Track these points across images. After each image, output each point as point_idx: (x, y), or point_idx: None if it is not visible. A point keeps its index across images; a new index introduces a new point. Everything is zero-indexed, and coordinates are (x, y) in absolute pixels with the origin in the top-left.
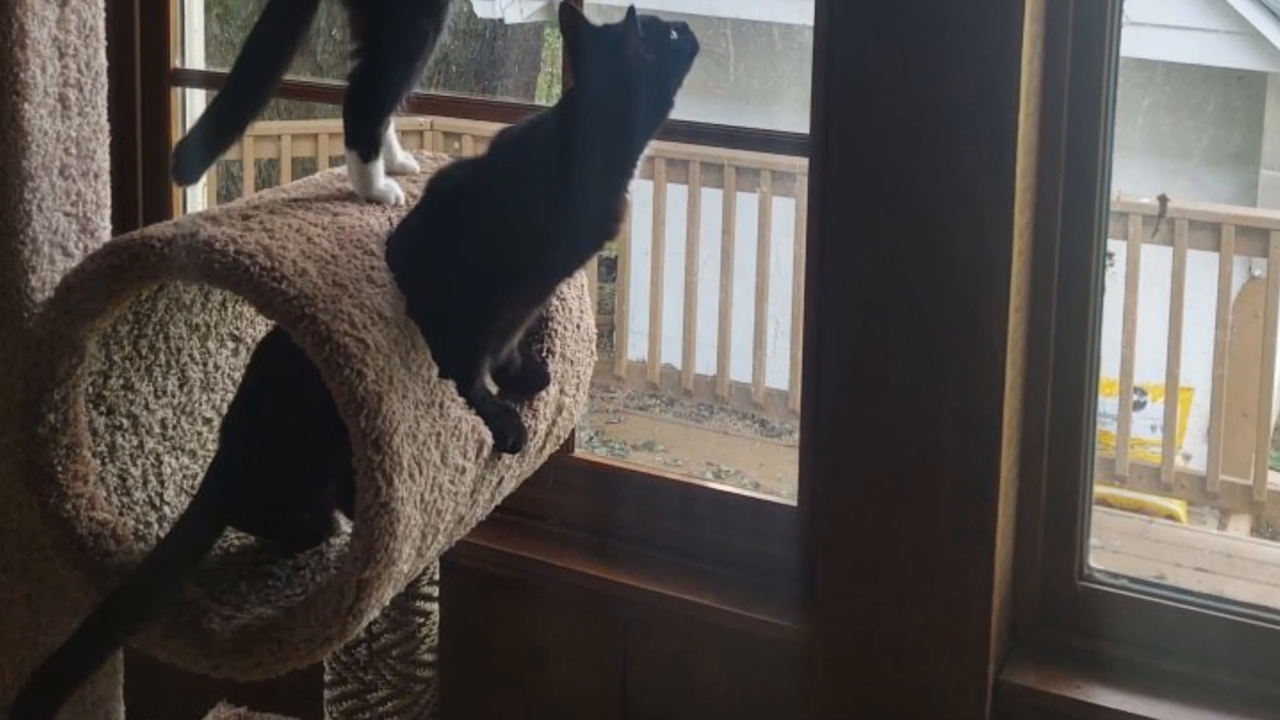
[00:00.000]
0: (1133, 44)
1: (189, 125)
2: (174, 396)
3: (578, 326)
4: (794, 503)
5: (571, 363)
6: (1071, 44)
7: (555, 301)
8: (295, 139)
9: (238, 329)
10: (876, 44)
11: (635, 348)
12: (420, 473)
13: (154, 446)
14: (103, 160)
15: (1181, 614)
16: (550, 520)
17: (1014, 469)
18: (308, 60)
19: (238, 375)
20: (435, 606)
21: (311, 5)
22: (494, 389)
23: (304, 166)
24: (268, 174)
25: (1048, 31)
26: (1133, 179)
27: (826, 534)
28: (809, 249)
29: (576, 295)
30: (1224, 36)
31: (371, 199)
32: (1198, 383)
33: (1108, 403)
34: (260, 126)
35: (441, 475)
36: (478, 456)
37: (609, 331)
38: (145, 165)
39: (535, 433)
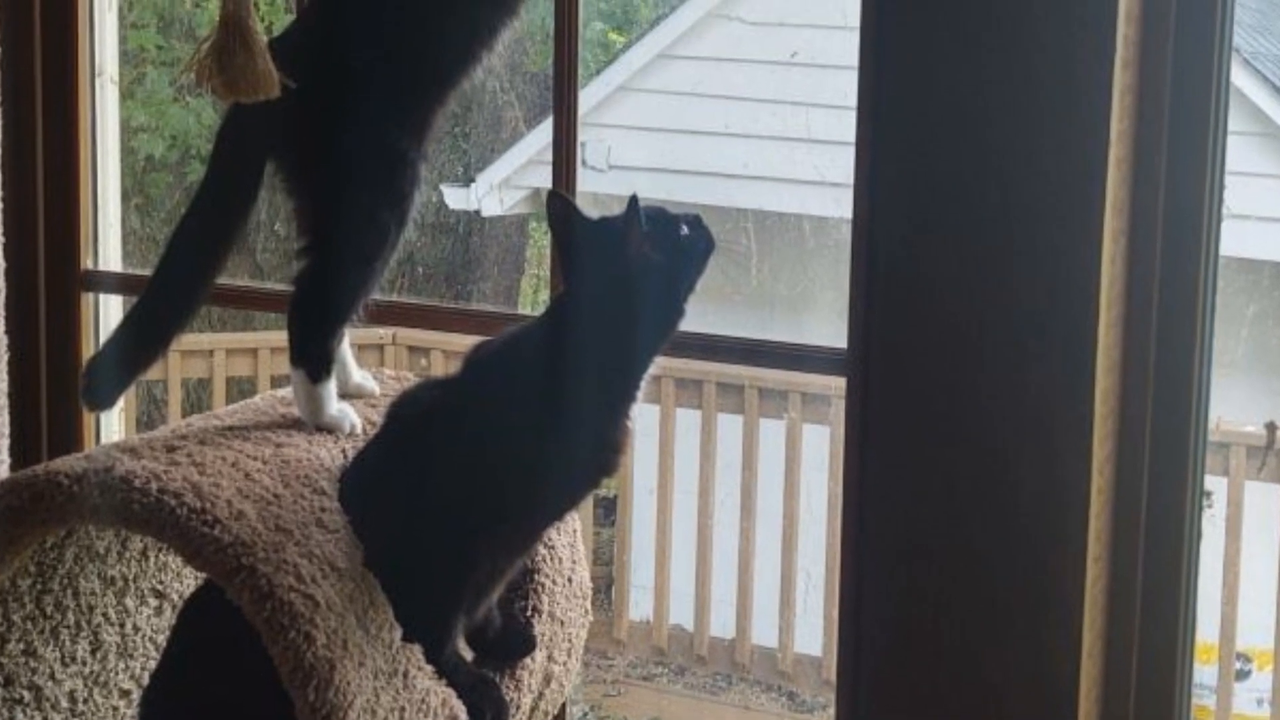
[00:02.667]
0: (1235, 240)
1: (103, 338)
2: (85, 664)
3: (569, 580)
4: None
5: (562, 623)
6: (1161, 240)
7: (542, 550)
8: (230, 355)
9: (161, 583)
10: (928, 240)
11: (638, 605)
12: None
13: None
14: None
15: None
16: None
17: None
18: (245, 260)
19: (161, 638)
20: None
21: (249, 194)
22: (469, 654)
23: (241, 388)
24: (197, 396)
25: (1133, 225)
26: (1235, 403)
27: None
28: (846, 486)
29: (568, 543)
30: None
31: (322, 427)
32: None
33: (1205, 672)
34: (188, 340)
35: None
36: None
37: (607, 586)
38: (50, 386)
39: (519, 707)
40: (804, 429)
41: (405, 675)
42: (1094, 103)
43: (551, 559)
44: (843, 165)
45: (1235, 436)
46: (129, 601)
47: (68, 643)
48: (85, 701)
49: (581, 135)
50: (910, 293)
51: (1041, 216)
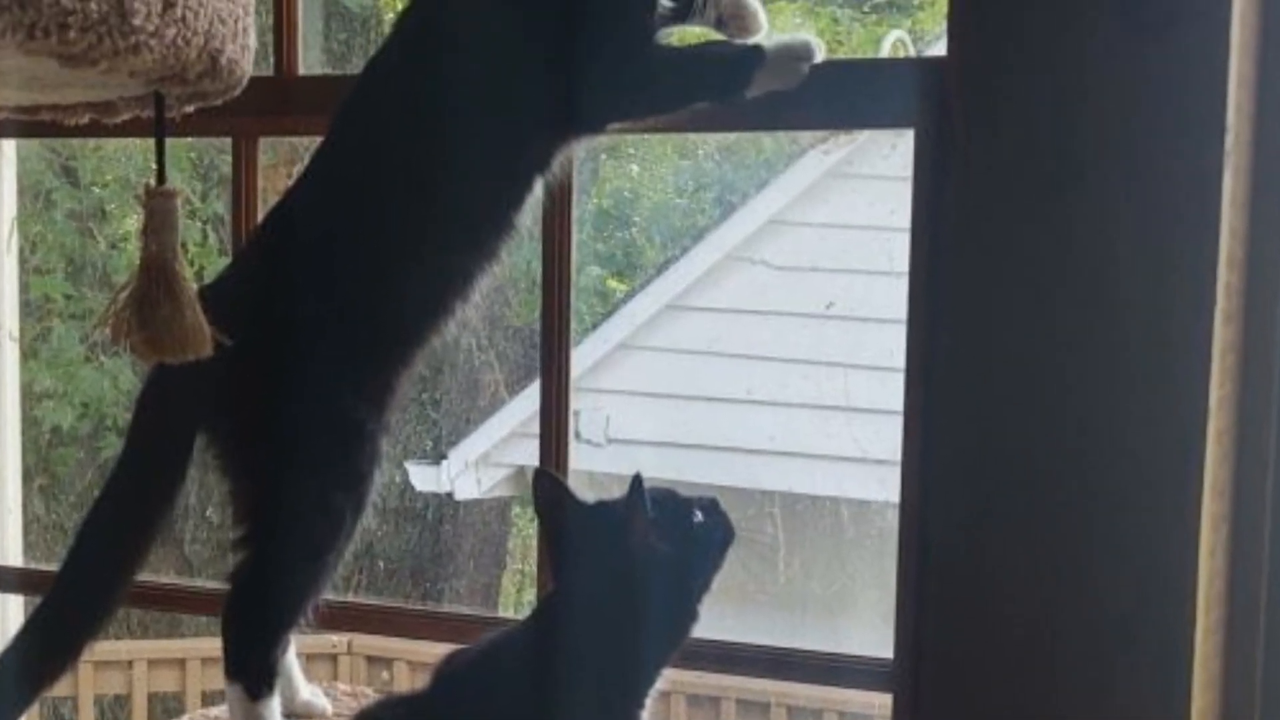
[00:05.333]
0: None
1: (1, 646)
2: None
3: None
4: None
5: None
6: (1270, 528)
7: None
8: (153, 666)
9: None
10: (991, 530)
11: None
12: None
13: None
14: None
15: None
16: None
17: None
18: (171, 553)
19: None
20: None
21: (175, 474)
22: None
23: (165, 705)
24: (113, 716)
25: (1237, 511)
26: None
27: None
28: None
29: None
30: None
31: None
32: None
33: None
34: (102, 648)
35: None
36: None
37: None
38: None
39: None
40: None
41: None
42: (1190, 364)
43: None
44: (888, 439)
45: None
46: None
47: None
48: None
49: (575, 402)
50: (970, 593)
51: (1127, 501)
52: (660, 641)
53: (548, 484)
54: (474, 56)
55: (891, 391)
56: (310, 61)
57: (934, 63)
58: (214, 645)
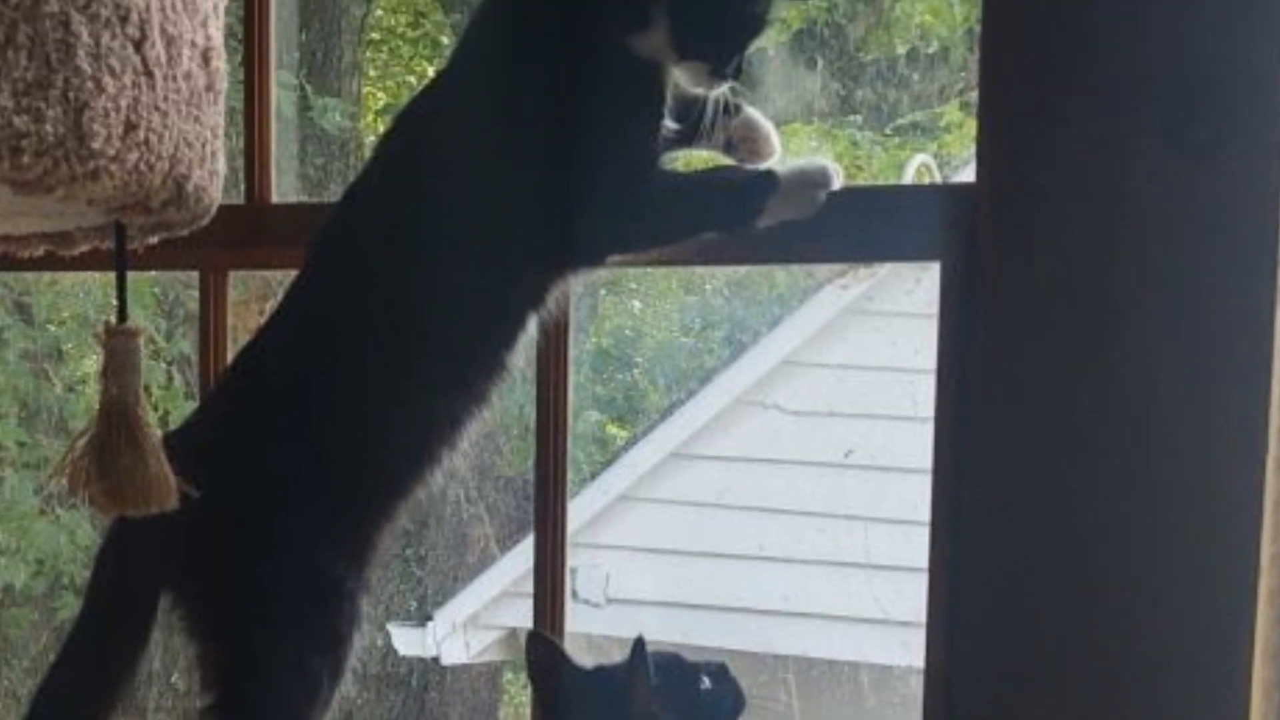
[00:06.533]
0: None
1: None
2: None
3: None
4: None
5: None
6: None
7: None
8: None
9: None
10: (1024, 697)
11: None
12: None
13: None
14: None
15: None
16: None
17: None
18: None
19: None
20: None
21: (138, 637)
22: None
23: None
24: None
25: None
26: None
27: None
28: None
29: None
30: None
31: None
32: None
33: None
34: None
35: None
36: None
37: None
38: None
39: None
40: None
41: None
42: (1239, 518)
43: None
44: (912, 598)
45: None
46: None
47: None
48: None
49: (571, 559)
50: None
51: (1172, 666)
52: None
53: (542, 648)
54: (461, 182)
55: (915, 547)
56: (284, 188)
57: (962, 190)
58: None
